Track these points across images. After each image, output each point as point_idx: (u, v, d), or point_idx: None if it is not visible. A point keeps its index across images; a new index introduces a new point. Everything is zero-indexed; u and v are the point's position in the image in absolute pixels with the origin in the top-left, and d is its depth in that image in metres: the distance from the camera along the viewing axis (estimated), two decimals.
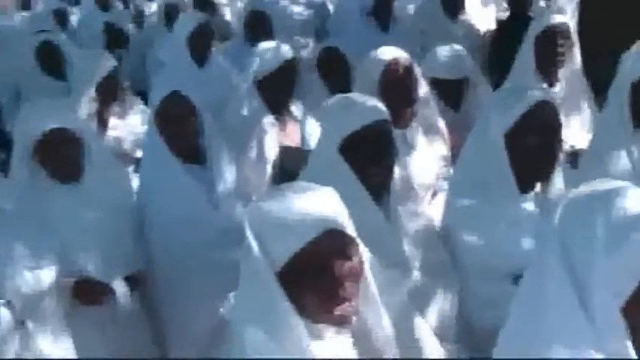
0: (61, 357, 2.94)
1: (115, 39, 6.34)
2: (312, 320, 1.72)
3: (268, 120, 3.93)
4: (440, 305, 2.55)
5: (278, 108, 3.98)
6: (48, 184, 3.11)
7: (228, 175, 3.42)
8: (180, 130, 3.29)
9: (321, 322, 1.72)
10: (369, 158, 2.46)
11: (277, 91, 3.97)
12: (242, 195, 3.45)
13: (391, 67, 3.52)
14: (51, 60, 5.20)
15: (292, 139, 3.90)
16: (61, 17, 6.92)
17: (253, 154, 3.88)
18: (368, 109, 2.61)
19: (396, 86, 3.48)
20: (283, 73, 3.97)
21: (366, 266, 1.78)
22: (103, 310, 3.15)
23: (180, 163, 3.31)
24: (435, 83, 3.94)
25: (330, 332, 1.75)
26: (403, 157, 3.38)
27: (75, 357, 2.99)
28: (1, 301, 2.79)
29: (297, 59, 4.10)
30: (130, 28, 7.11)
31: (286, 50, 4.08)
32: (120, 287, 3.13)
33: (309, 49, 6.20)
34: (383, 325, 1.82)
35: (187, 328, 3.37)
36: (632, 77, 2.95)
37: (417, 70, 3.63)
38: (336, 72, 4.32)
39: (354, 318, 1.76)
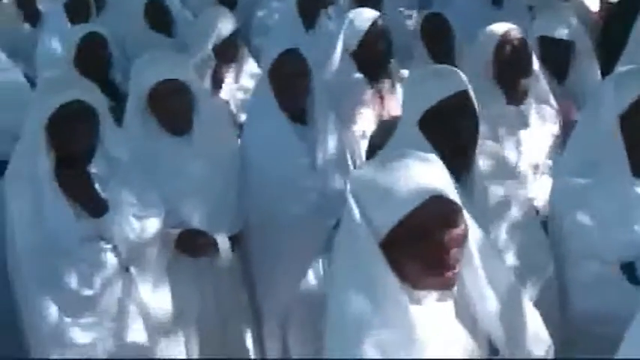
0: (157, 305, 3.02)
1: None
2: (413, 287, 1.72)
3: (366, 90, 3.89)
4: (533, 292, 2.48)
5: (375, 75, 3.93)
6: (159, 135, 3.17)
7: (330, 140, 3.44)
8: (293, 87, 3.33)
9: (422, 288, 1.73)
10: (448, 133, 2.40)
11: (371, 57, 3.91)
12: (340, 164, 3.47)
13: (506, 42, 3.46)
14: (159, 19, 5.25)
15: (390, 109, 3.88)
16: None
17: (352, 124, 3.85)
18: (446, 81, 2.53)
19: (510, 61, 3.43)
20: (373, 38, 3.91)
21: (471, 235, 1.76)
22: (204, 263, 3.22)
23: (287, 120, 3.34)
24: (543, 46, 3.81)
25: (431, 299, 1.76)
26: (516, 133, 3.37)
27: (170, 306, 3.07)
28: (109, 246, 2.87)
29: (384, 22, 4.02)
30: None
31: (371, 13, 4.03)
32: (223, 242, 3.17)
33: (413, 19, 6.13)
34: (486, 296, 1.80)
35: (276, 288, 3.43)
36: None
37: (530, 46, 3.56)
38: (439, 39, 4.25)
39: (455, 285, 1.76)
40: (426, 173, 1.71)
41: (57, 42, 5.00)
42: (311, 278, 3.44)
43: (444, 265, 1.69)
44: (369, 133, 3.71)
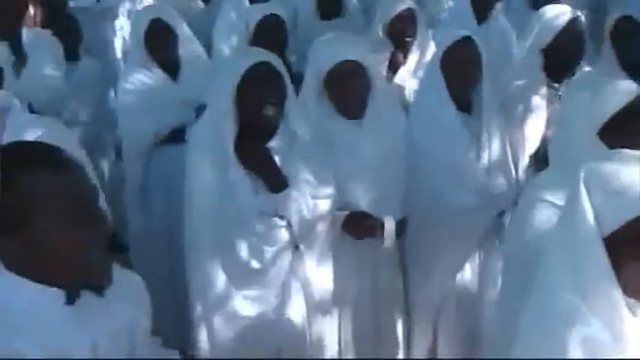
0: (319, 283, 3.05)
1: None
2: (626, 292, 1.63)
3: (544, 91, 3.73)
4: None
5: (558, 76, 3.76)
6: (332, 117, 3.18)
7: (494, 134, 3.36)
8: (465, 74, 3.29)
9: (635, 296, 1.64)
10: (629, 140, 2.24)
11: (562, 56, 3.75)
12: (502, 158, 3.39)
13: None
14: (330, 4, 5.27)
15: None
16: None
17: (521, 123, 3.71)
18: (621, 89, 2.38)
19: None
20: (567, 36, 3.73)
21: None
22: (366, 246, 3.21)
23: (454, 108, 3.30)
24: None
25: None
26: None
27: (331, 286, 3.10)
28: (283, 222, 2.91)
29: (580, 22, 3.83)
30: None
31: (568, 10, 3.84)
32: (389, 226, 3.16)
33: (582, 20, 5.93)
34: None
35: (431, 278, 3.39)
36: None
37: None
38: (628, 42, 4.06)
39: None
40: None
41: (234, 20, 5.12)
42: (467, 272, 3.40)
43: None
44: (539, 134, 3.67)
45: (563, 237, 1.68)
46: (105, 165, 5.10)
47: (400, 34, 4.32)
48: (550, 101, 3.71)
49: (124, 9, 7.37)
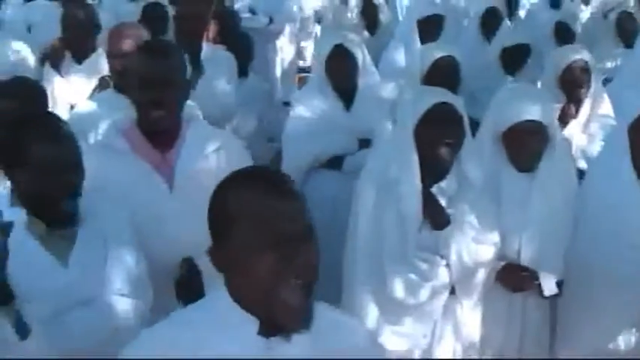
0: (469, 328, 3.06)
1: None
2: None
3: None
4: None
5: None
6: (505, 167, 3.19)
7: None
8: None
9: None
10: None
11: None
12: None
13: None
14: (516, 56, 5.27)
15: None
16: (511, 5, 7.04)
17: None
18: None
19: None
20: None
21: None
22: (518, 297, 3.21)
23: (636, 178, 3.13)
24: None
25: None
26: None
27: (478, 332, 3.09)
28: (444, 262, 2.93)
29: None
30: None
31: None
32: (549, 282, 3.15)
33: None
34: None
35: (579, 344, 3.30)
36: None
37: None
38: None
39: None
40: None
41: (402, 53, 5.20)
42: (620, 343, 3.31)
43: None
44: None
45: None
46: None
47: (573, 86, 4.28)
48: None
49: (285, 31, 7.62)
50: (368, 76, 4.17)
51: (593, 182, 3.36)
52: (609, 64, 5.73)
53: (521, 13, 7.71)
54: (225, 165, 2.68)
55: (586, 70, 4.28)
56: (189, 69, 4.40)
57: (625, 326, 3.28)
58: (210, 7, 4.68)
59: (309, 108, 4.13)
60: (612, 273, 3.19)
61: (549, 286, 3.15)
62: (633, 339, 3.30)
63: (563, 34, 6.38)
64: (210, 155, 2.77)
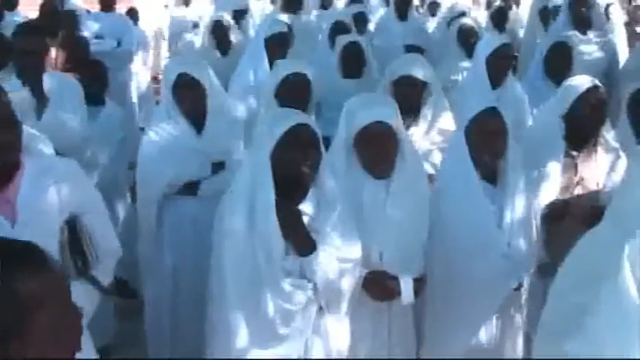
0: (337, 342, 3.08)
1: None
2: None
3: (561, 156, 3.80)
4: None
5: (578, 142, 3.83)
6: (360, 176, 3.24)
7: (518, 204, 3.41)
8: (491, 147, 3.34)
9: None
10: None
11: (579, 124, 3.83)
12: (525, 228, 3.45)
13: None
14: (354, 61, 5.37)
15: (584, 177, 3.81)
16: (360, 20, 7.18)
17: (538, 190, 3.76)
18: None
19: None
20: (585, 105, 3.81)
21: None
22: (383, 304, 3.26)
23: (478, 178, 3.35)
24: None
25: None
26: None
27: (346, 343, 3.12)
28: (310, 285, 2.93)
29: (600, 91, 3.91)
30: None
31: (588, 80, 3.95)
32: (407, 289, 3.20)
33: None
34: None
35: (446, 343, 3.44)
36: None
37: None
38: None
39: None
40: None
41: (252, 73, 5.23)
42: (482, 337, 3.43)
43: None
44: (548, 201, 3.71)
45: (608, 304, 1.74)
46: (120, 208, 5.15)
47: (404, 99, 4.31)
48: (567, 169, 3.78)
49: (138, 55, 7.53)
50: (216, 98, 4.15)
51: (442, 186, 3.48)
52: (454, 76, 5.91)
53: (371, 26, 7.87)
54: (67, 196, 2.67)
55: (414, 84, 4.36)
56: (33, 101, 4.35)
57: (485, 322, 3.41)
58: (44, 40, 4.57)
59: (161, 134, 4.08)
60: (470, 271, 3.32)
61: (407, 294, 3.20)
62: (494, 333, 3.42)
63: (412, 48, 6.60)
64: (51, 188, 2.73)
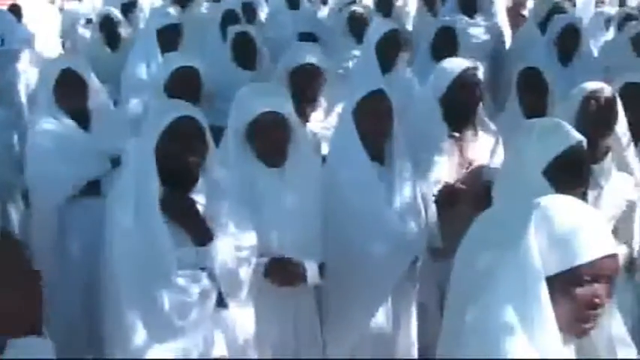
0: (241, 331, 3.09)
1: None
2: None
3: (445, 138, 3.90)
4: None
5: (458, 124, 3.93)
6: (254, 165, 3.26)
7: (405, 183, 3.51)
8: (379, 127, 3.43)
9: (563, 330, 1.79)
10: (573, 181, 2.48)
11: (457, 105, 3.92)
12: (413, 207, 3.54)
13: (593, 99, 3.51)
14: (245, 51, 5.38)
15: (470, 158, 3.93)
16: (250, 10, 7.16)
17: (427, 171, 3.86)
18: (566, 133, 2.75)
19: (594, 117, 3.47)
20: (461, 86, 3.91)
21: None
22: (287, 291, 3.27)
23: (368, 159, 3.42)
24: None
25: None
26: (589, 192, 3.34)
27: (252, 333, 3.13)
28: (205, 274, 2.92)
29: (474, 72, 4.04)
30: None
31: (463, 62, 4.07)
32: (312, 271, 3.24)
33: (480, 72, 6.22)
34: (613, 354, 1.90)
35: (346, 323, 3.48)
36: None
37: (619, 106, 3.61)
38: (535, 93, 4.26)
39: None
40: (605, 228, 1.83)
41: (144, 67, 5.16)
42: (381, 317, 3.50)
43: (592, 316, 1.80)
44: (443, 181, 3.83)
45: (510, 274, 1.80)
46: (13, 213, 4.99)
47: (303, 87, 4.40)
48: (451, 149, 3.88)
49: (25, 53, 7.29)
50: (98, 95, 4.11)
51: (333, 167, 3.54)
52: (345, 63, 5.96)
53: (262, 15, 7.87)
54: None
55: (311, 72, 4.40)
56: None
57: (381, 303, 3.47)
58: None
59: (48, 133, 3.99)
60: (365, 250, 3.39)
61: (312, 275, 3.24)
62: (390, 314, 3.50)
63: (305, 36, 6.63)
64: None
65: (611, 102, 3.53)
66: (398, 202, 3.47)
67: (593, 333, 1.87)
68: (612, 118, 3.51)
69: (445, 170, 3.85)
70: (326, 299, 3.50)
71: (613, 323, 1.92)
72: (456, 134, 3.91)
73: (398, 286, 3.50)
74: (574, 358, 1.86)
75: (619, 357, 1.89)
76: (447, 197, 3.72)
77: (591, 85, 3.57)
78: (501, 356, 1.74)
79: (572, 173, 2.57)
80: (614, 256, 1.80)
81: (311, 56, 4.43)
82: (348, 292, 3.42)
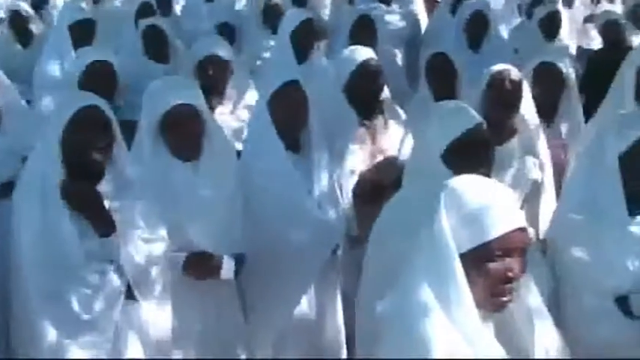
0: (158, 327, 3.08)
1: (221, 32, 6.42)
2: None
3: (356, 127, 3.96)
4: None
5: (366, 112, 4.00)
6: (168, 160, 3.22)
7: (323, 173, 3.54)
8: (294, 117, 3.43)
9: (478, 305, 1.85)
10: (471, 163, 2.53)
11: (361, 93, 4.00)
12: (332, 197, 3.57)
13: (498, 81, 3.61)
14: (156, 44, 5.32)
15: (383, 146, 4.00)
16: (165, 3, 7.09)
17: (341, 160, 3.91)
18: (466, 116, 2.79)
19: (499, 99, 3.58)
20: (363, 75, 4.00)
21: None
22: (207, 285, 3.25)
23: (285, 149, 3.43)
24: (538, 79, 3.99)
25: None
26: (494, 173, 3.47)
27: (170, 329, 3.12)
28: (113, 267, 2.89)
29: (376, 61, 4.12)
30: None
31: (363, 51, 4.14)
32: (227, 265, 3.22)
33: (397, 58, 6.33)
34: (529, 322, 1.97)
35: (270, 313, 3.50)
36: None
37: (526, 88, 3.71)
38: (444, 78, 4.36)
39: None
40: (513, 203, 1.89)
41: (57, 64, 5.07)
42: (304, 306, 3.53)
43: (507, 290, 1.85)
44: (357, 170, 3.87)
45: (426, 253, 1.86)
46: None
47: (208, 79, 4.40)
48: (363, 138, 3.94)
49: None
50: (8, 95, 4.04)
51: (250, 158, 3.54)
52: (263, 53, 5.96)
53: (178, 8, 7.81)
54: None
55: (218, 64, 4.44)
56: None
57: (304, 291, 3.51)
58: None
59: None
60: (286, 240, 3.40)
61: (227, 269, 3.23)
62: (314, 303, 3.53)
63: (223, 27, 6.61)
64: None
65: (516, 84, 3.63)
66: (317, 190, 3.49)
67: (512, 307, 1.93)
68: (517, 100, 3.62)
69: (359, 158, 3.90)
70: (249, 290, 3.50)
71: (530, 296, 1.98)
72: (367, 122, 3.97)
73: (321, 274, 3.52)
74: (493, 334, 1.90)
75: (536, 329, 1.95)
76: (370, 194, 3.75)
77: (497, 68, 3.67)
78: (421, 339, 1.78)
79: (471, 156, 2.59)
80: (523, 229, 1.87)
81: (216, 48, 4.44)
82: (271, 282, 3.42)
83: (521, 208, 3.53)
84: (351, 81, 3.99)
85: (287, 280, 3.45)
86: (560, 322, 2.60)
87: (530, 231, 3.26)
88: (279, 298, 3.48)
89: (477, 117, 2.88)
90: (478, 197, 1.85)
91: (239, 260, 3.28)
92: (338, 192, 3.65)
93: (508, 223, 1.83)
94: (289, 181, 3.44)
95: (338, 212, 3.57)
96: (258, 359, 3.50)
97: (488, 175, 2.56)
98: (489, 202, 1.84)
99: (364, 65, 4.01)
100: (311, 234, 3.43)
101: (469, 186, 1.90)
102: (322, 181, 3.53)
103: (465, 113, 2.89)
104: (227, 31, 6.45)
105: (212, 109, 4.39)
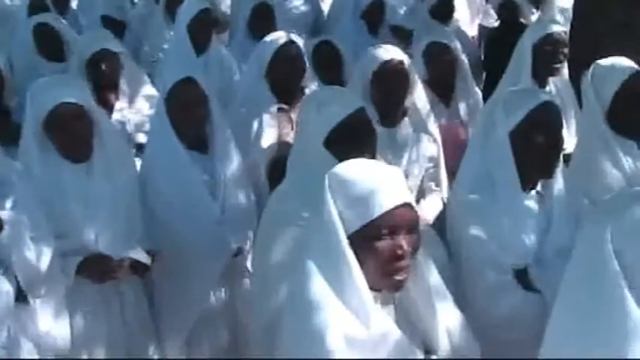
0: (56, 334, 3.00)
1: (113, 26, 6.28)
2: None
3: (274, 111, 3.95)
4: None
5: (285, 97, 3.99)
6: (57, 162, 3.11)
7: (230, 168, 3.45)
8: (190, 116, 3.33)
9: (373, 288, 1.86)
10: (353, 148, 2.47)
11: (280, 78, 3.99)
12: (241, 191, 3.50)
13: (385, 66, 3.62)
14: (48, 42, 5.15)
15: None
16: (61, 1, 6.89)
17: (254, 145, 3.90)
18: (346, 101, 2.76)
19: (387, 84, 3.59)
20: (282, 60, 4.00)
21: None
22: (109, 286, 3.19)
23: (184, 148, 3.34)
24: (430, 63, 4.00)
25: (377, 302, 1.89)
26: (389, 156, 3.46)
27: (68, 334, 3.05)
28: (0, 269, 2.80)
29: (293, 46, 4.10)
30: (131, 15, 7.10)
31: (282, 36, 4.13)
32: (126, 265, 3.16)
33: (302, 44, 6.29)
34: (430, 304, 1.96)
35: (179, 311, 3.44)
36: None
37: (412, 72, 3.73)
38: (330, 65, 4.40)
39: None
40: (399, 181, 1.90)
41: None
42: (213, 299, 3.47)
43: (400, 267, 1.85)
44: (267, 153, 3.81)
45: (317, 239, 1.87)
46: None
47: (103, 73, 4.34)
48: (281, 120, 3.92)
49: None
50: None
51: (151, 155, 3.48)
52: (164, 45, 5.86)
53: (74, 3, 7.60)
54: None
55: (110, 58, 4.38)
56: None
57: (212, 288, 3.45)
58: None
59: None
60: (187, 241, 3.31)
61: (123, 272, 3.16)
62: (224, 297, 3.48)
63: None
64: None
65: (401, 66, 3.65)
66: (223, 189, 3.41)
67: (412, 288, 1.94)
68: (404, 82, 3.64)
69: (273, 140, 3.87)
70: (157, 289, 3.43)
71: (429, 275, 1.98)
72: (285, 106, 3.96)
73: (231, 267, 3.45)
74: (393, 316, 1.92)
75: (438, 308, 1.96)
76: (282, 173, 3.73)
77: (382, 52, 3.68)
78: (316, 332, 1.78)
79: (353, 141, 2.55)
80: (407, 205, 1.87)
81: (105, 42, 4.37)
82: (177, 280, 3.36)
83: (422, 187, 3.59)
84: (272, 66, 3.98)
85: (191, 278, 3.37)
86: (459, 300, 2.67)
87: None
88: (185, 296, 3.41)
89: (357, 101, 2.84)
90: (362, 179, 1.87)
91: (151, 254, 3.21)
92: (249, 182, 3.57)
93: (390, 200, 1.84)
94: (189, 182, 3.36)
95: (249, 198, 3.50)
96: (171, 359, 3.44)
97: (373, 158, 2.55)
98: (373, 182, 1.86)
99: (282, 50, 4.00)
100: (211, 235, 3.36)
101: (352, 169, 1.91)
102: (229, 178, 3.43)
103: (345, 98, 2.84)
104: (118, 26, 6.36)
105: (110, 104, 4.33)
